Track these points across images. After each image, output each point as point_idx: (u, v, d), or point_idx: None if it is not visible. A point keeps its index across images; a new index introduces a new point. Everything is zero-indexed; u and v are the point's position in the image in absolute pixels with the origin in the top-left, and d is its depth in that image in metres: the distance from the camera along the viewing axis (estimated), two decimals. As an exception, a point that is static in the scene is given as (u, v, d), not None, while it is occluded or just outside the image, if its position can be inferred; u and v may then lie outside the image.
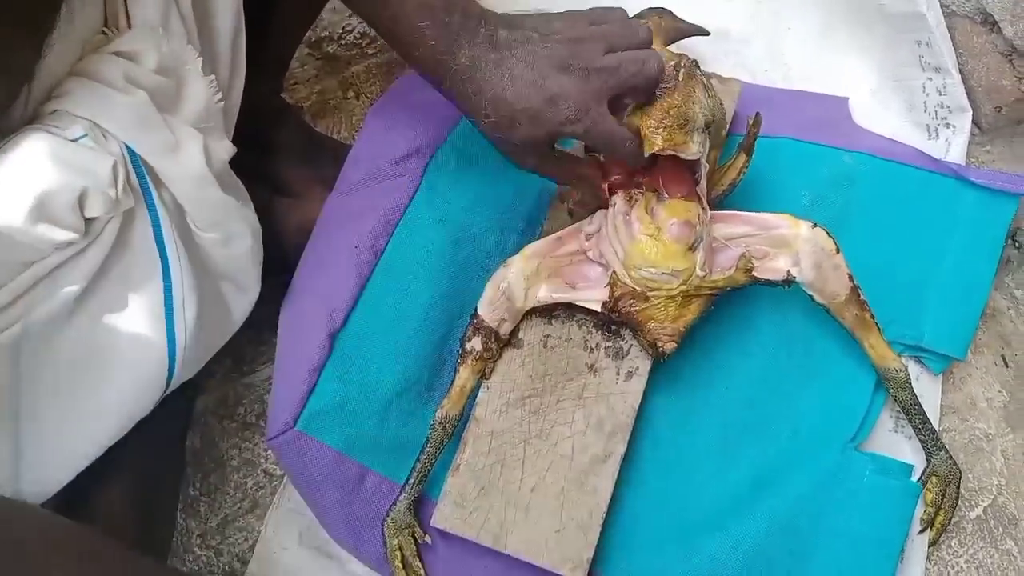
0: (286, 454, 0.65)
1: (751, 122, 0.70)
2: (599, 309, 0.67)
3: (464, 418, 0.68)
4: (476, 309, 0.67)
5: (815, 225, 0.66)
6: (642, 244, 0.63)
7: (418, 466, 0.66)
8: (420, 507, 0.68)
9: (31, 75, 0.52)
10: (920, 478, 0.69)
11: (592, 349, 0.70)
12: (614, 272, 0.66)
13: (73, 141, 0.51)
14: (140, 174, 0.56)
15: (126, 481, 0.64)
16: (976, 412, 0.77)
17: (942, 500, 0.68)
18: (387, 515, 0.65)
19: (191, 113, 0.59)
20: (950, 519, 0.69)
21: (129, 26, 0.57)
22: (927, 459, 0.69)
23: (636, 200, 0.65)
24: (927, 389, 0.76)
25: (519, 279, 0.67)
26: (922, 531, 0.69)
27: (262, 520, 0.73)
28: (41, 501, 0.56)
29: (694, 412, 0.72)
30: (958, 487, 0.69)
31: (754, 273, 0.65)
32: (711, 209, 0.67)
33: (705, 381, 0.73)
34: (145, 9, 0.56)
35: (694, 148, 0.62)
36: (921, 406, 0.69)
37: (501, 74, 0.58)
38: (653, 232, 0.63)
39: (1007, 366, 0.79)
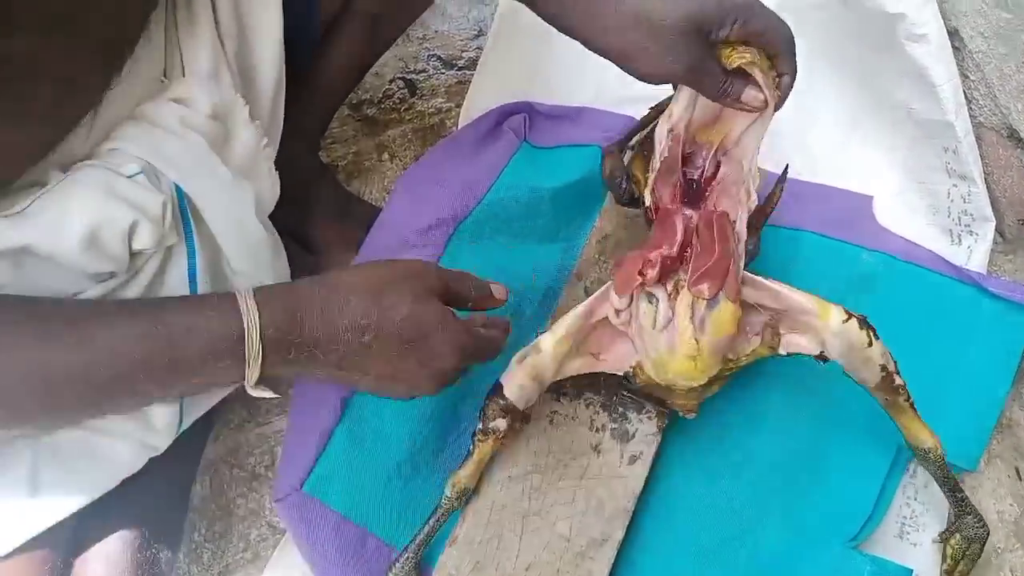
0: (291, 515, 0.66)
1: (770, 199, 0.70)
2: (621, 373, 0.66)
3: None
4: (502, 390, 0.64)
5: (848, 318, 0.61)
6: (680, 364, 0.60)
7: (425, 529, 0.65)
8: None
9: (91, 109, 0.55)
10: (943, 532, 0.68)
11: (598, 430, 0.71)
12: (639, 364, 0.64)
13: (128, 177, 0.55)
14: (184, 213, 0.59)
15: (130, 521, 0.66)
16: (988, 521, 0.76)
17: (963, 554, 0.67)
18: (389, 571, 0.65)
19: (239, 159, 0.64)
20: (971, 567, 0.68)
21: (183, 75, 0.61)
22: (956, 520, 0.68)
23: (678, 292, 0.60)
24: (936, 498, 0.74)
25: (552, 362, 0.64)
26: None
27: (262, 572, 0.74)
28: (53, 524, 0.58)
29: (697, 501, 0.71)
30: (982, 547, 0.67)
31: (779, 350, 0.63)
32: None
33: (713, 470, 0.73)
34: (199, 60, 0.61)
35: None
36: (953, 476, 0.67)
37: None
38: (693, 353, 0.59)
39: (1020, 479, 0.78)
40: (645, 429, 0.70)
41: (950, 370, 0.76)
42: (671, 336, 0.59)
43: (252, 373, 0.50)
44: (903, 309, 0.78)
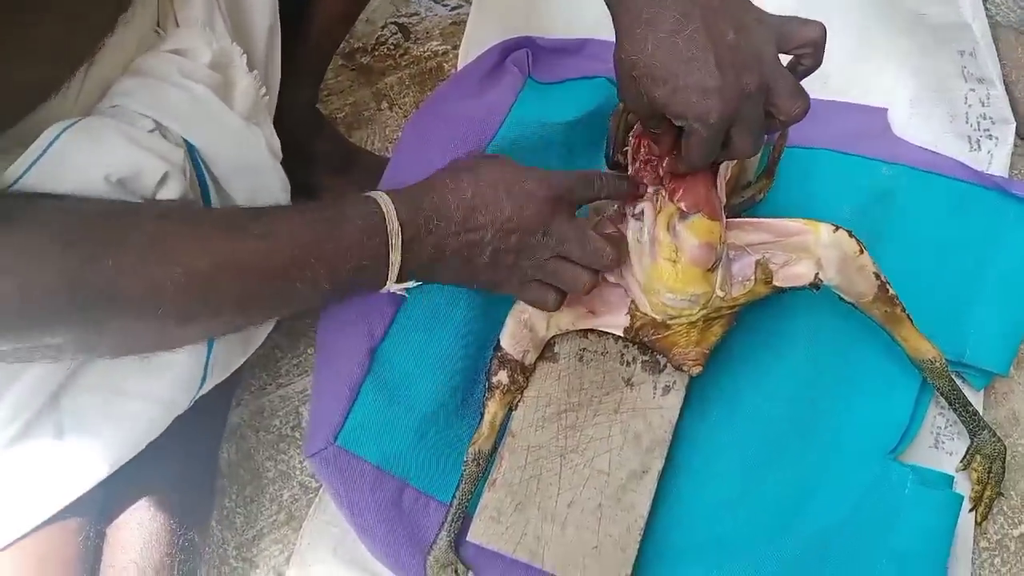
0: (326, 470, 0.65)
1: (775, 146, 0.69)
2: (621, 334, 0.67)
3: (499, 433, 0.68)
4: (499, 342, 0.66)
5: (836, 228, 0.64)
6: (661, 268, 0.61)
7: (455, 503, 0.65)
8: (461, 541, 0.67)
9: (95, 49, 0.53)
10: (964, 458, 0.69)
11: (628, 363, 0.70)
12: (633, 302, 0.65)
13: (148, 132, 0.54)
14: (198, 170, 0.58)
15: (160, 488, 0.65)
16: (1020, 428, 0.76)
17: (988, 476, 0.68)
18: (429, 553, 0.65)
19: (241, 108, 0.62)
20: (997, 493, 0.69)
21: (176, 25, 0.59)
22: (971, 438, 0.69)
23: (660, 209, 0.62)
24: (969, 405, 0.75)
25: (541, 312, 0.66)
26: (971, 509, 0.69)
27: (297, 532, 0.73)
28: (80, 494, 0.57)
29: (733, 427, 0.71)
30: (1003, 463, 0.68)
31: (775, 282, 0.64)
32: (727, 217, 0.64)
33: (741, 395, 0.72)
34: (193, 9, 0.59)
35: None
36: (960, 391, 0.69)
37: (676, 40, 0.51)
38: (672, 256, 0.61)
39: (1052, 382, 0.78)
40: (677, 358, 0.69)
41: (977, 276, 0.75)
42: (653, 248, 0.61)
43: (395, 255, 0.55)
44: (926, 219, 0.77)
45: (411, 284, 0.59)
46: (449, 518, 0.65)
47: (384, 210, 0.55)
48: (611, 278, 0.66)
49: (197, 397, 0.62)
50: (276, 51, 0.67)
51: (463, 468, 0.66)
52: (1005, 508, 0.73)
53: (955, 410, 0.69)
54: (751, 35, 0.52)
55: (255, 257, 0.51)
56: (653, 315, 0.64)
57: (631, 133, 0.66)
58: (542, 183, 0.57)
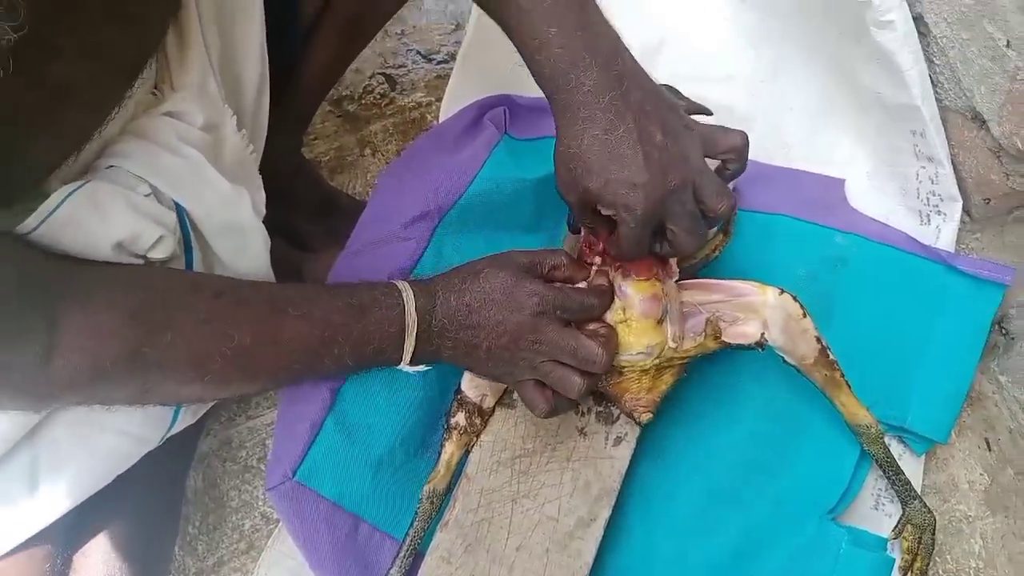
0: (283, 504, 0.67)
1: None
2: None
3: (455, 474, 0.70)
4: (460, 385, 0.69)
5: (782, 292, 0.68)
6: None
7: (408, 540, 0.67)
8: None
9: (103, 126, 0.57)
10: (896, 527, 0.71)
11: (583, 413, 0.72)
12: None
13: (144, 197, 0.58)
14: (184, 230, 0.62)
15: (127, 516, 0.67)
16: (958, 494, 0.79)
17: (918, 547, 0.70)
18: None
19: (230, 167, 0.66)
20: (927, 565, 0.70)
21: (173, 89, 0.63)
22: (903, 508, 0.71)
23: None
24: (909, 469, 0.77)
25: None
26: None
27: (256, 561, 0.75)
28: (50, 522, 0.60)
29: (679, 479, 0.74)
30: (933, 534, 0.70)
31: (724, 339, 0.67)
32: (684, 278, 0.69)
33: (691, 448, 0.75)
34: (190, 73, 0.63)
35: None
36: (894, 459, 0.71)
37: (609, 138, 0.55)
38: (621, 318, 0.64)
39: (990, 449, 0.81)
40: (628, 411, 0.72)
41: (921, 345, 0.78)
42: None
43: (409, 343, 0.60)
44: (875, 288, 0.81)
45: (422, 367, 0.64)
46: (401, 553, 0.67)
47: (404, 301, 0.60)
48: None
49: (168, 435, 0.65)
50: (264, 107, 0.71)
51: (417, 506, 0.68)
52: (940, 572, 0.75)
53: (888, 478, 0.71)
54: (678, 138, 0.57)
55: (292, 336, 0.57)
56: None
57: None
58: (532, 295, 0.60)
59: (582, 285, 0.65)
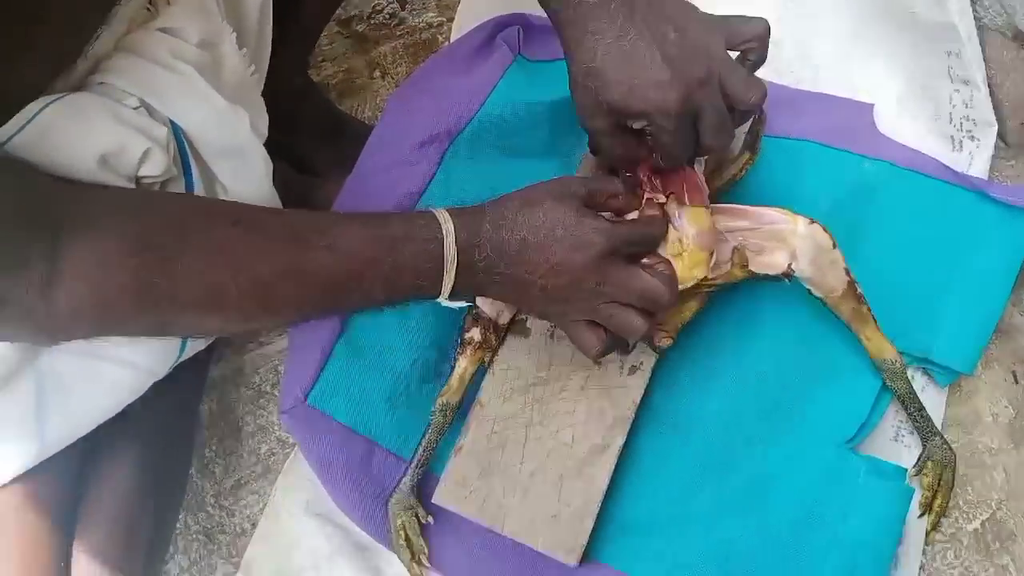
0: (297, 427, 0.67)
1: (755, 119, 0.69)
2: None
3: (468, 401, 0.70)
4: (475, 299, 0.68)
5: (812, 221, 0.66)
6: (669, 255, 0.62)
7: (420, 450, 0.67)
8: (423, 484, 0.69)
9: (88, 44, 0.55)
10: (916, 463, 0.70)
11: (598, 341, 0.71)
12: None
13: (133, 109, 0.55)
14: (181, 146, 0.59)
15: (138, 442, 0.67)
16: (980, 426, 0.77)
17: (938, 484, 0.69)
18: (391, 495, 0.67)
19: (229, 87, 0.63)
20: (947, 502, 0.70)
21: (169, 3, 0.60)
22: (923, 444, 0.70)
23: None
24: (932, 401, 0.75)
25: None
26: (921, 515, 0.70)
27: (274, 484, 0.76)
28: (60, 449, 0.59)
29: (696, 409, 0.73)
30: (954, 471, 0.70)
31: (751, 268, 0.66)
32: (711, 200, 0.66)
33: (710, 378, 0.74)
34: None
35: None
36: (916, 395, 0.70)
37: (622, 44, 0.54)
38: (678, 251, 0.62)
39: (1017, 382, 0.79)
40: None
41: (951, 275, 0.76)
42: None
43: (448, 278, 0.57)
44: (905, 216, 0.78)
45: (463, 303, 0.62)
46: (414, 463, 0.67)
47: (444, 234, 0.56)
48: None
49: (175, 365, 0.64)
50: (267, 27, 0.68)
51: (430, 417, 0.68)
52: (960, 503, 0.74)
53: (909, 414, 0.70)
54: (694, 32, 0.55)
55: (316, 268, 0.54)
56: None
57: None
58: (599, 233, 0.56)
59: (634, 215, 0.62)
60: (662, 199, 0.63)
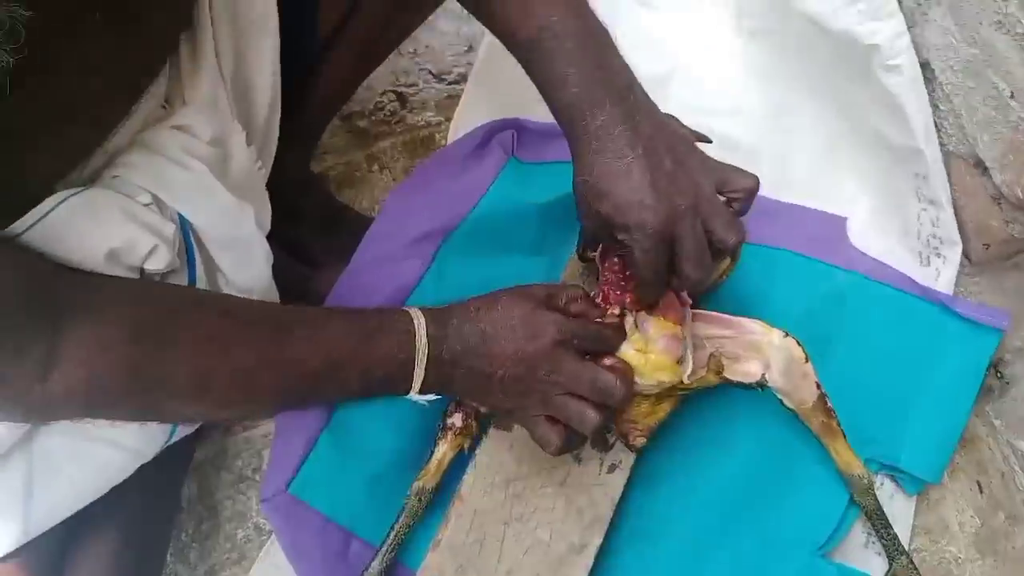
0: (276, 516, 0.67)
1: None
2: None
3: (447, 493, 0.70)
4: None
5: (787, 334, 0.69)
6: (630, 357, 0.64)
7: (391, 534, 0.68)
8: (393, 574, 0.69)
9: (107, 140, 0.58)
10: None
11: (579, 439, 0.73)
12: None
13: (144, 205, 0.58)
14: (187, 239, 0.62)
15: (120, 525, 0.67)
16: (948, 535, 0.79)
17: None
18: None
19: (236, 181, 0.66)
20: None
21: (184, 102, 0.63)
22: (889, 563, 0.71)
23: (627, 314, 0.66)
24: (901, 508, 0.78)
25: None
26: None
27: (248, 572, 0.75)
28: (44, 530, 0.60)
29: (672, 510, 0.74)
30: None
31: (726, 375, 0.68)
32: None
33: (684, 481, 0.75)
34: (200, 87, 0.64)
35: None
36: (883, 512, 0.72)
37: (619, 164, 0.57)
38: (642, 347, 0.64)
39: (982, 492, 0.81)
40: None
41: (917, 386, 0.79)
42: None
43: (419, 370, 0.60)
44: (874, 326, 0.81)
45: (432, 397, 0.63)
46: (384, 548, 0.67)
47: (415, 327, 0.59)
48: None
49: (163, 447, 0.65)
50: (275, 123, 0.72)
51: (405, 502, 0.68)
52: (929, 612, 0.76)
53: (876, 531, 0.72)
54: (688, 167, 0.59)
55: (297, 359, 0.57)
56: None
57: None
58: (551, 324, 0.60)
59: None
60: (635, 315, 0.65)
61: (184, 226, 0.61)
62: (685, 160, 0.59)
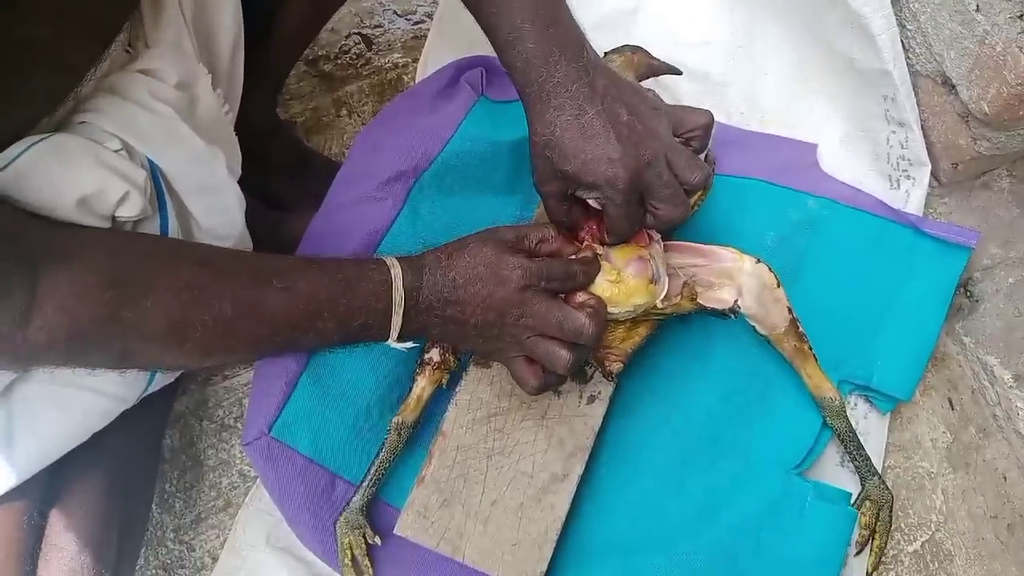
0: (259, 459, 0.68)
1: (706, 158, 0.73)
2: None
3: (430, 430, 0.71)
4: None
5: (758, 260, 0.70)
6: (603, 288, 0.65)
7: (373, 469, 0.68)
8: (375, 511, 0.71)
9: (77, 87, 0.57)
10: (854, 502, 0.73)
11: (558, 372, 0.73)
12: None
13: (114, 152, 0.57)
14: (158, 185, 0.61)
15: (104, 471, 0.67)
16: (920, 451, 0.81)
17: (875, 523, 0.72)
18: (340, 514, 0.68)
19: (204, 125, 0.65)
20: (886, 542, 0.73)
21: (147, 46, 0.62)
22: (861, 484, 0.74)
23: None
24: (874, 427, 0.80)
25: None
26: (858, 553, 0.73)
27: (234, 518, 0.76)
28: (28, 477, 0.60)
29: (651, 436, 0.75)
30: (891, 511, 0.73)
31: (700, 301, 0.69)
32: (664, 237, 0.70)
33: (663, 407, 0.76)
34: (164, 31, 0.63)
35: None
36: (855, 434, 0.74)
37: (580, 121, 0.58)
38: (613, 277, 0.65)
39: (953, 408, 0.83)
40: (602, 370, 0.74)
41: (888, 306, 0.80)
42: None
43: (397, 319, 0.60)
44: (844, 250, 0.82)
45: (410, 344, 0.64)
46: (365, 483, 0.68)
47: (392, 277, 0.60)
48: None
49: (145, 394, 0.65)
50: (239, 66, 0.71)
51: (384, 437, 0.69)
52: (902, 525, 0.78)
53: (848, 452, 0.74)
54: (645, 117, 0.60)
55: (275, 308, 0.57)
56: None
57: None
58: (516, 268, 0.60)
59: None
60: (599, 249, 0.66)
61: (155, 172, 0.60)
62: (639, 109, 0.60)
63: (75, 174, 0.54)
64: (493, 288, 0.60)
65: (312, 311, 0.58)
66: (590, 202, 0.63)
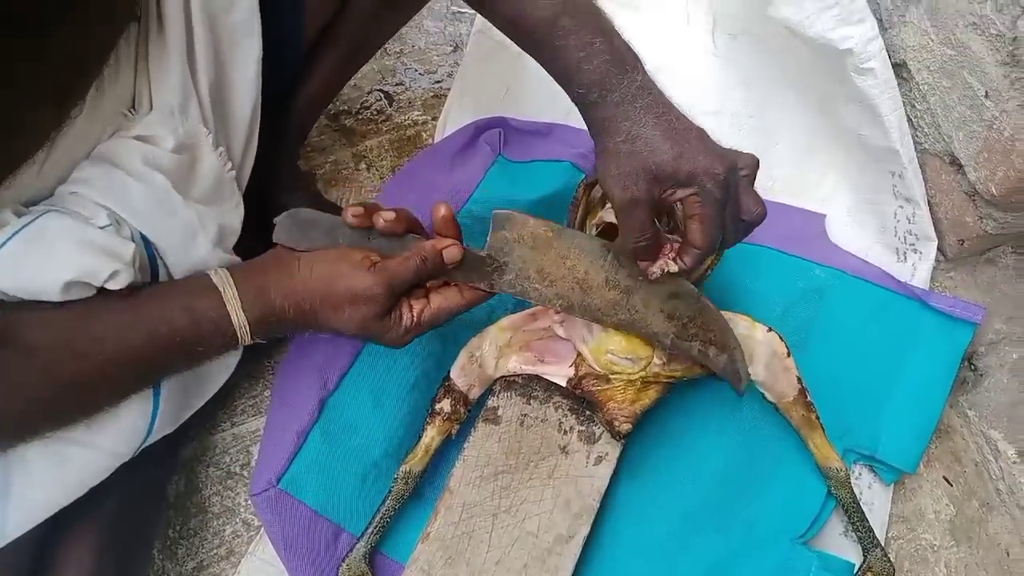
0: (266, 510, 0.68)
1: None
2: (564, 383, 0.72)
3: (437, 487, 0.71)
4: (449, 373, 0.71)
5: (770, 329, 0.71)
6: (609, 332, 0.66)
7: (377, 517, 0.69)
8: (377, 564, 0.71)
9: (41, 149, 0.55)
10: (856, 574, 0.73)
11: (565, 432, 0.74)
12: (579, 355, 0.70)
13: (101, 228, 0.56)
14: (151, 256, 0.60)
15: (99, 526, 0.66)
16: (924, 523, 0.81)
17: None
18: (343, 561, 0.68)
19: (204, 186, 0.64)
20: None
21: (151, 107, 0.61)
22: (864, 555, 0.73)
23: None
24: (878, 497, 0.80)
25: (492, 348, 0.72)
26: None
27: (236, 568, 0.76)
28: (22, 532, 0.59)
29: (657, 500, 0.75)
30: None
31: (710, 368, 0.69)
32: None
33: (669, 472, 0.77)
34: (167, 93, 0.61)
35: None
36: (859, 505, 0.74)
37: (668, 118, 0.58)
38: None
39: (956, 481, 0.83)
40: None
41: (893, 378, 0.81)
42: None
43: (243, 335, 0.59)
44: (852, 320, 0.84)
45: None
46: (370, 529, 0.68)
47: (225, 298, 0.58)
48: (560, 332, 0.71)
49: (142, 448, 0.64)
50: (255, 130, 0.70)
51: (391, 485, 0.69)
52: (906, 599, 0.78)
53: (852, 523, 0.74)
54: (709, 142, 0.59)
55: (92, 373, 0.55)
56: (597, 368, 0.69)
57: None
58: (373, 289, 0.58)
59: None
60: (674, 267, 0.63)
61: (147, 243, 0.60)
62: (703, 136, 0.59)
63: (59, 262, 0.53)
64: (352, 312, 0.58)
65: (146, 364, 0.58)
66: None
